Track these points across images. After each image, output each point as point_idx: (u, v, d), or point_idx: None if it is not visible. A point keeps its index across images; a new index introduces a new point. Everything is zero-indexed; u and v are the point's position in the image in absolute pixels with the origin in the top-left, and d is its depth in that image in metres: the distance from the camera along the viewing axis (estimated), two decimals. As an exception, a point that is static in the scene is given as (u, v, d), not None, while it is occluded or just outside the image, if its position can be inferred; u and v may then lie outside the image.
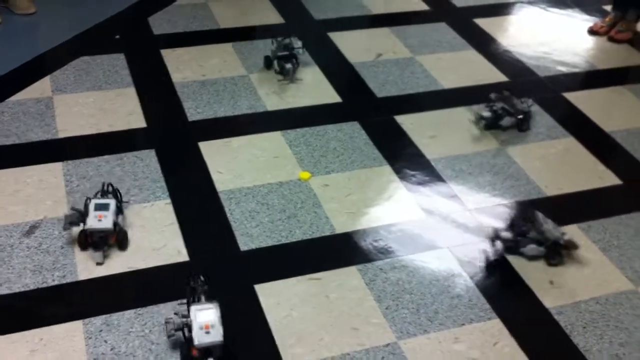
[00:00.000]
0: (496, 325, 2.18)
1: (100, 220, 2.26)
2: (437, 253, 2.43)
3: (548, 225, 2.40)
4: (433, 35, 3.79)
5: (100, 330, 2.07)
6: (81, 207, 2.31)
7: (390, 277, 2.31)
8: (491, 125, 3.03)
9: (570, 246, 2.41)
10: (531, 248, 2.39)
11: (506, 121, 3.03)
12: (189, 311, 1.94)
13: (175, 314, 1.96)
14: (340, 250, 2.41)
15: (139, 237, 2.38)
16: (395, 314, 2.19)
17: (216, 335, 1.89)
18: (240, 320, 2.12)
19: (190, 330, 1.91)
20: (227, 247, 2.39)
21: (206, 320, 1.90)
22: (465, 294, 2.27)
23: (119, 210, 2.35)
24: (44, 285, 2.20)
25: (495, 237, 2.42)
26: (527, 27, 4.01)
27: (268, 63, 3.35)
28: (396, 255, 2.40)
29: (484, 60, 3.61)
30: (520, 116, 3.04)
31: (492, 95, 3.09)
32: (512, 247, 2.41)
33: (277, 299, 2.21)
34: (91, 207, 2.28)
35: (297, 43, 3.29)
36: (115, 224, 2.28)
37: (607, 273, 2.40)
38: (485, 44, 3.76)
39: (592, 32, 3.95)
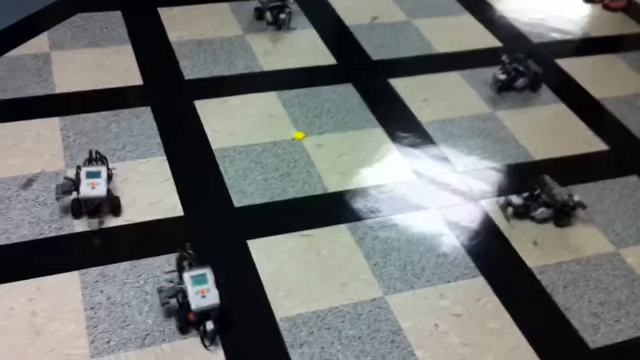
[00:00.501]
0: (480, 282, 2.25)
1: (93, 188, 2.26)
2: (425, 213, 2.49)
3: (558, 189, 2.46)
4: (429, -1, 3.82)
5: (96, 281, 2.13)
6: (72, 175, 2.32)
7: (379, 235, 2.38)
8: (506, 87, 3.08)
9: (579, 206, 2.47)
10: (541, 211, 2.45)
11: (520, 82, 3.09)
12: (181, 278, 1.99)
13: (170, 281, 2.02)
14: (331, 209, 2.47)
15: (135, 192, 2.44)
16: (383, 271, 2.26)
17: (213, 298, 1.94)
18: (233, 273, 2.19)
19: (185, 297, 1.95)
20: (221, 203, 2.45)
21: (201, 285, 1.95)
22: (451, 253, 2.34)
23: (109, 177, 2.35)
24: (41, 236, 2.26)
25: (507, 204, 2.47)
26: (523, -7, 4.03)
27: (260, 14, 3.39)
28: (386, 215, 2.46)
29: (479, 25, 3.64)
30: (533, 77, 3.09)
31: (504, 57, 3.13)
32: (522, 212, 2.47)
33: (268, 254, 2.27)
34: (83, 175, 2.27)
35: None
36: (108, 190, 2.29)
37: (589, 235, 2.47)
38: (480, 9, 3.78)
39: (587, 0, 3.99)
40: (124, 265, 2.19)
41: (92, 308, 2.05)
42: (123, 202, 2.37)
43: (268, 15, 3.34)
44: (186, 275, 1.97)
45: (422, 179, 2.63)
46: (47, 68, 2.99)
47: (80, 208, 2.30)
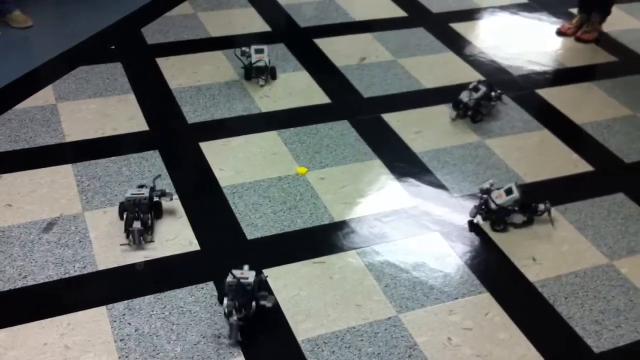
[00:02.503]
0: (486, 298, 2.38)
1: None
2: (428, 236, 2.63)
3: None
4: (412, 40, 4.02)
5: (124, 314, 2.23)
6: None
7: (387, 259, 2.50)
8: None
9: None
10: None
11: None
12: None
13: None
14: (339, 237, 2.59)
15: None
16: (394, 291, 2.38)
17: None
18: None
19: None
20: (235, 236, 2.56)
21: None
22: (456, 272, 2.48)
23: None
24: (67, 275, 2.36)
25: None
26: (500, 30, 4.25)
27: (248, 75, 3.49)
28: (391, 240, 2.59)
29: (461, 61, 3.84)
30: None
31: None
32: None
33: (284, 281, 2.39)
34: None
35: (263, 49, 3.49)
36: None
37: (584, 250, 2.62)
38: (461, 47, 3.99)
39: (560, 33, 4.21)
40: (149, 298, 2.29)
41: (122, 340, 2.15)
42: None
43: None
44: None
45: (422, 204, 2.77)
46: (55, 118, 3.12)
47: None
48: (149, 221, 2.51)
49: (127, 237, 2.47)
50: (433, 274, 2.46)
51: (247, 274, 2.19)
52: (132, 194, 2.49)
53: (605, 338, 2.27)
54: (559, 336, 2.28)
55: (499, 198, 2.64)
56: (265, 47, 3.50)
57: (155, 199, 2.58)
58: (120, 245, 2.47)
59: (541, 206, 2.66)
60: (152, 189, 2.57)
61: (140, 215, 2.49)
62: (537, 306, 2.38)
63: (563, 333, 2.28)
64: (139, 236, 2.45)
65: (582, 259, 2.58)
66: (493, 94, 3.31)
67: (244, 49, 3.47)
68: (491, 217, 2.66)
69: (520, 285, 2.45)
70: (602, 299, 2.41)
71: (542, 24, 4.34)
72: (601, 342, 2.25)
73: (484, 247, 2.60)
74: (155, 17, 4.03)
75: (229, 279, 2.16)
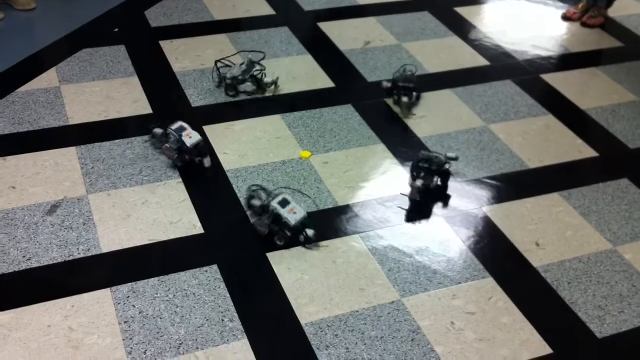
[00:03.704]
0: (490, 283, 2.39)
1: (190, 137, 2.73)
2: (432, 220, 2.63)
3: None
4: (417, 24, 4.00)
5: (128, 297, 2.24)
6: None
7: (390, 243, 2.50)
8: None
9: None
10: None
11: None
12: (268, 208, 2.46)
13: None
14: (343, 220, 2.59)
15: (156, 213, 2.55)
16: (397, 275, 2.38)
17: (302, 212, 2.45)
18: (256, 283, 2.30)
19: (277, 219, 2.44)
20: (238, 220, 2.56)
21: (288, 205, 2.47)
22: (459, 256, 2.48)
23: None
24: (70, 258, 2.36)
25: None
26: (505, 15, 4.22)
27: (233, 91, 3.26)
28: (395, 224, 2.59)
29: (466, 45, 3.82)
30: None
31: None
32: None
33: (287, 264, 2.39)
34: (174, 132, 2.75)
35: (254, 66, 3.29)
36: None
37: (587, 235, 2.62)
38: (466, 31, 3.97)
39: (565, 18, 4.19)
40: (153, 281, 2.29)
41: (125, 322, 2.15)
42: (144, 223, 2.49)
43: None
44: (273, 203, 2.45)
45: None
46: (59, 101, 3.11)
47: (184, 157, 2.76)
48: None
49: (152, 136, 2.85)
50: (436, 259, 2.46)
51: (296, 211, 2.44)
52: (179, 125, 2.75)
53: (608, 323, 2.27)
54: (561, 321, 2.28)
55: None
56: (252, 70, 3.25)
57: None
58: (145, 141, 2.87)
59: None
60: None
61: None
62: (540, 291, 2.38)
63: (566, 318, 2.29)
64: (159, 138, 2.80)
65: (585, 244, 2.58)
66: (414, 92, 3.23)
67: (227, 62, 3.32)
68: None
69: (523, 270, 2.46)
70: (605, 284, 2.42)
71: (547, 8, 4.32)
72: (604, 327, 2.25)
73: (488, 231, 2.60)
74: (159, 0, 4.01)
75: (276, 205, 2.45)
